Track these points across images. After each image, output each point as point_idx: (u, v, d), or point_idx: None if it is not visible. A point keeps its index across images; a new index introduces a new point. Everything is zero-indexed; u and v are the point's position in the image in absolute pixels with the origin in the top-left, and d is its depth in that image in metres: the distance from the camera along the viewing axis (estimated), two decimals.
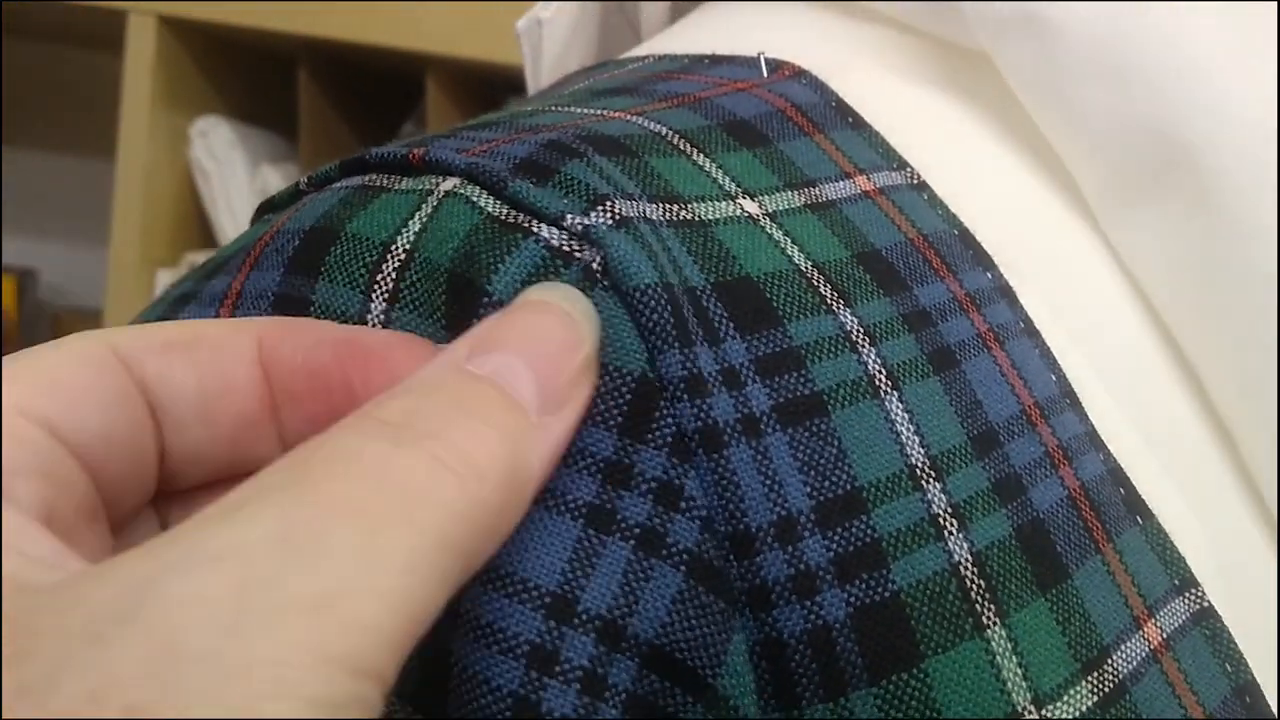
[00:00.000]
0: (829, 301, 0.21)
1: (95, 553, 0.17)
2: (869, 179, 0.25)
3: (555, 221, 0.20)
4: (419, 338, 0.19)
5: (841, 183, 0.25)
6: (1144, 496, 0.24)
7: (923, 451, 0.20)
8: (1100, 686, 0.20)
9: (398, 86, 1.26)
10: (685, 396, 0.19)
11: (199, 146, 1.19)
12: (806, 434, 0.19)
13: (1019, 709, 0.19)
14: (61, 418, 0.17)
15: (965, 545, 0.20)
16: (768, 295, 0.21)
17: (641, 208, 0.21)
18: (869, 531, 0.19)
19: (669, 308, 0.19)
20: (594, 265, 0.19)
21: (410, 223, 0.20)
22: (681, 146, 0.23)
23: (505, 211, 0.20)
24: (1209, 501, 0.26)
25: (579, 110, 0.25)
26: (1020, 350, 0.24)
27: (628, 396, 0.19)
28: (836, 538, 0.19)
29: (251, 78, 1.30)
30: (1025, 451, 0.22)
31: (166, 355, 0.18)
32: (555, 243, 0.20)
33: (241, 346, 0.19)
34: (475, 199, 0.20)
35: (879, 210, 0.24)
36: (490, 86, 1.19)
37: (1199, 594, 0.23)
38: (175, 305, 0.23)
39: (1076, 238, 0.27)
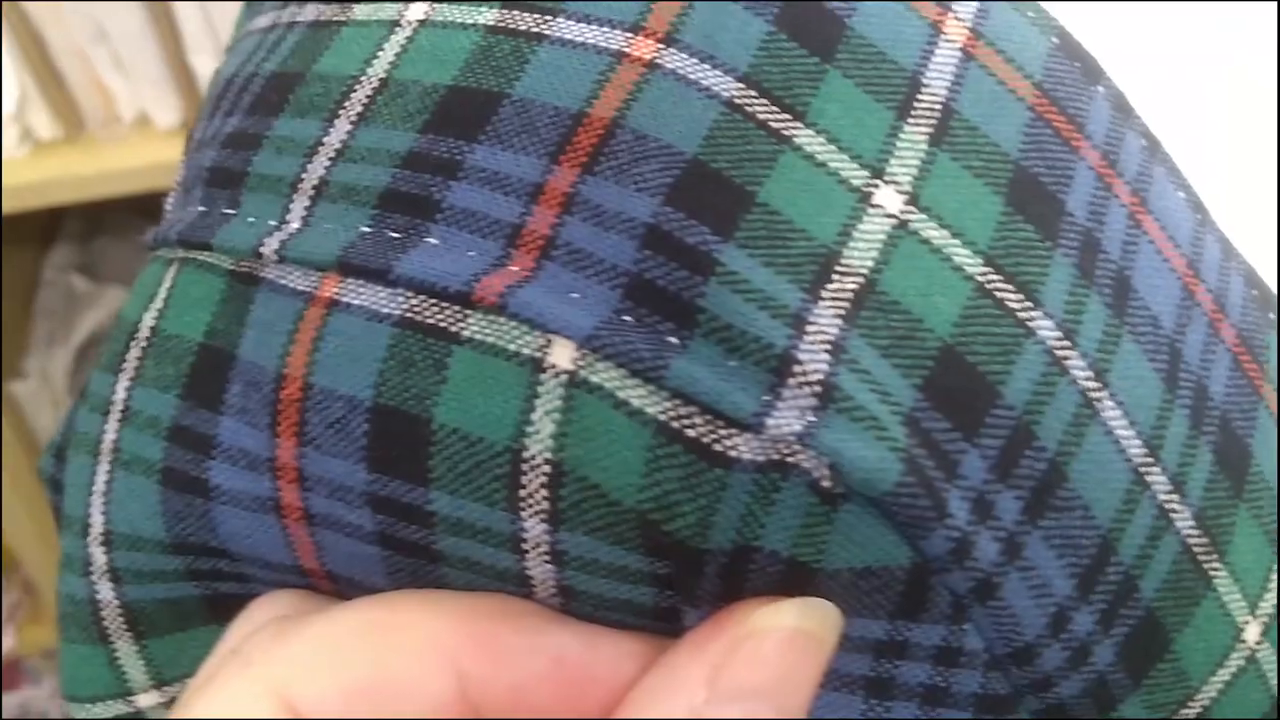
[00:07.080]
0: (1020, 315, 0.17)
1: None
2: (957, 17, 0.19)
3: (752, 428, 0.15)
4: (616, 638, 0.17)
5: (940, 54, 0.19)
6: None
7: (1140, 442, 0.18)
8: None
9: None
10: (954, 565, 0.17)
11: None
12: (1055, 514, 0.18)
13: (1240, 626, 0.19)
14: None
15: (1188, 515, 0.19)
16: (970, 359, 0.17)
17: (820, 335, 0.16)
18: (1120, 572, 0.18)
19: (923, 491, 0.16)
20: (823, 480, 0.16)
21: (534, 418, 0.16)
22: (770, 122, 0.17)
23: (675, 414, 0.15)
24: None
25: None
26: (1157, 195, 0.21)
27: (900, 589, 0.17)
28: (1098, 599, 0.18)
29: None
30: (1196, 341, 0.20)
31: (349, 713, 0.15)
32: (762, 458, 0.15)
33: (437, 688, 0.16)
34: (628, 397, 0.15)
35: (988, 76, 0.19)
36: None
37: None
38: (174, 441, 0.18)
39: None
